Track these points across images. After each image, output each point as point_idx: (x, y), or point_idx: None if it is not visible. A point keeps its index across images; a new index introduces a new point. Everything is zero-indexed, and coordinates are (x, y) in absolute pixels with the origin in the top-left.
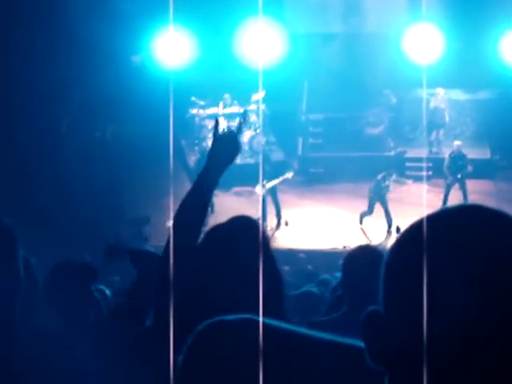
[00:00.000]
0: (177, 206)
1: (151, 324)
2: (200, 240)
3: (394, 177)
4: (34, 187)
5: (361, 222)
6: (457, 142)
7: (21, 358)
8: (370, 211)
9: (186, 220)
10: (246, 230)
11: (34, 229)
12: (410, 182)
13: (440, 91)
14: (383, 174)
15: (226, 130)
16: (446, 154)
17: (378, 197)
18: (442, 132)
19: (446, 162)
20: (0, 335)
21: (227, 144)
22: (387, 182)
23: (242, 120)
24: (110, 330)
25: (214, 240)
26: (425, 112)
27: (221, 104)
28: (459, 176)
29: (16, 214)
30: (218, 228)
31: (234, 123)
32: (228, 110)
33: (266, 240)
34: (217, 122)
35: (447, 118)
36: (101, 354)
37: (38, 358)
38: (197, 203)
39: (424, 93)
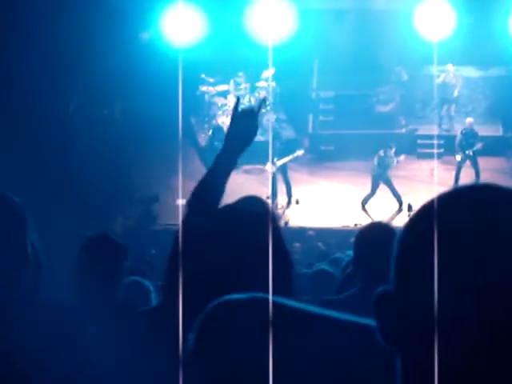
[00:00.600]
0: (186, 185)
1: (160, 303)
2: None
3: (393, 150)
4: (44, 166)
5: (363, 207)
6: (469, 119)
7: (26, 331)
8: (372, 193)
9: (202, 200)
10: (255, 211)
11: (45, 206)
12: (402, 157)
13: (450, 67)
14: (383, 149)
15: (245, 108)
16: (457, 131)
17: (381, 175)
18: (453, 108)
19: (458, 139)
20: (6, 309)
21: (246, 123)
22: (389, 157)
23: (262, 100)
24: (122, 309)
25: (223, 220)
26: (435, 88)
27: (231, 82)
28: (471, 153)
29: (27, 192)
30: (227, 208)
31: (244, 101)
32: (239, 87)
33: (275, 220)
34: (238, 101)
35: (457, 94)
36: (110, 332)
37: (44, 332)
38: (214, 184)
39: (434, 69)
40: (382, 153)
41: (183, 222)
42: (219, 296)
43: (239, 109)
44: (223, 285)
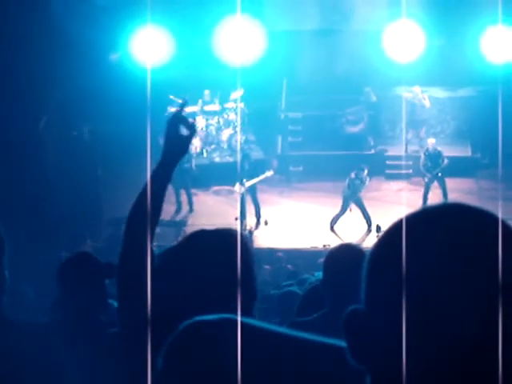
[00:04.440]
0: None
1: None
2: (179, 242)
3: (365, 172)
4: (11, 185)
5: (332, 228)
6: (431, 140)
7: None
8: (341, 213)
9: (140, 219)
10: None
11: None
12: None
13: (417, 89)
14: (355, 171)
15: (169, 118)
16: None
17: (352, 196)
18: (423, 130)
19: (422, 161)
20: None
21: (176, 131)
22: (360, 179)
23: (181, 103)
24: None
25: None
26: (404, 110)
27: (199, 102)
28: (439, 174)
29: None
30: (202, 234)
31: (213, 121)
32: (207, 108)
33: (249, 251)
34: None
35: (426, 116)
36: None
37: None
38: (155, 191)
39: (403, 91)
40: (353, 175)
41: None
42: (184, 318)
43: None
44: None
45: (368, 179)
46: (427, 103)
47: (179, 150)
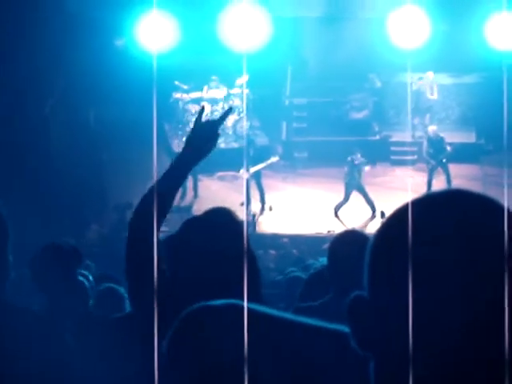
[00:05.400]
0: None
1: (131, 311)
2: (178, 230)
3: (359, 155)
4: (16, 171)
5: (336, 214)
6: (432, 127)
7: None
8: (345, 200)
9: (152, 204)
10: (221, 221)
11: (16, 212)
12: (367, 167)
13: (430, 75)
14: (350, 156)
15: (209, 118)
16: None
17: (353, 182)
18: (428, 116)
19: (425, 148)
20: None
21: (207, 132)
22: (356, 163)
23: (226, 111)
24: (94, 316)
25: (191, 231)
26: (409, 96)
27: (205, 88)
28: (444, 160)
29: None
30: (195, 219)
31: (218, 107)
32: (212, 94)
33: (242, 229)
34: (202, 109)
35: (432, 103)
36: (84, 338)
37: (22, 337)
38: (167, 188)
39: (408, 77)
40: (349, 159)
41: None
42: (191, 303)
43: (202, 117)
44: (195, 291)
45: (364, 161)
46: (435, 95)
47: (200, 153)
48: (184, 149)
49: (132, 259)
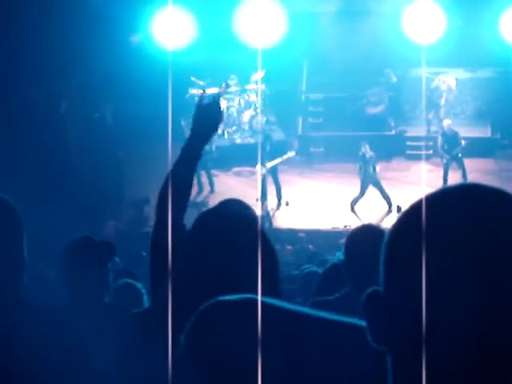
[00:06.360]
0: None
1: (150, 305)
2: (192, 224)
3: (367, 147)
4: (34, 168)
5: (352, 208)
6: (447, 121)
7: (24, 332)
8: (361, 194)
9: (171, 195)
10: (237, 213)
11: (35, 208)
12: (378, 167)
13: (451, 81)
14: (360, 151)
15: (206, 98)
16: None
17: (369, 177)
18: (442, 111)
19: (440, 142)
20: (6, 311)
21: (209, 111)
22: (368, 157)
23: (223, 87)
24: (112, 311)
25: (205, 224)
26: (424, 91)
27: (223, 85)
28: (459, 154)
29: (16, 193)
30: (209, 212)
31: (234, 103)
32: (229, 90)
33: (257, 222)
34: (202, 96)
35: (446, 100)
36: (102, 333)
37: (40, 333)
38: (181, 177)
39: (423, 72)
40: (360, 154)
41: (156, 225)
42: (208, 298)
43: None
44: (212, 286)
45: (374, 155)
46: (451, 95)
47: (207, 130)
48: (191, 133)
49: (155, 247)
